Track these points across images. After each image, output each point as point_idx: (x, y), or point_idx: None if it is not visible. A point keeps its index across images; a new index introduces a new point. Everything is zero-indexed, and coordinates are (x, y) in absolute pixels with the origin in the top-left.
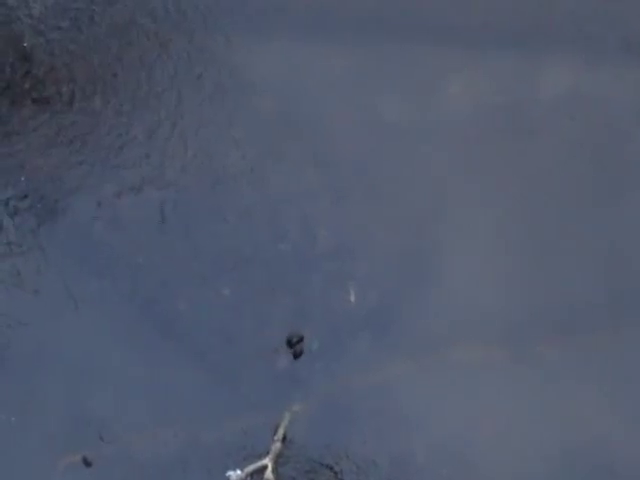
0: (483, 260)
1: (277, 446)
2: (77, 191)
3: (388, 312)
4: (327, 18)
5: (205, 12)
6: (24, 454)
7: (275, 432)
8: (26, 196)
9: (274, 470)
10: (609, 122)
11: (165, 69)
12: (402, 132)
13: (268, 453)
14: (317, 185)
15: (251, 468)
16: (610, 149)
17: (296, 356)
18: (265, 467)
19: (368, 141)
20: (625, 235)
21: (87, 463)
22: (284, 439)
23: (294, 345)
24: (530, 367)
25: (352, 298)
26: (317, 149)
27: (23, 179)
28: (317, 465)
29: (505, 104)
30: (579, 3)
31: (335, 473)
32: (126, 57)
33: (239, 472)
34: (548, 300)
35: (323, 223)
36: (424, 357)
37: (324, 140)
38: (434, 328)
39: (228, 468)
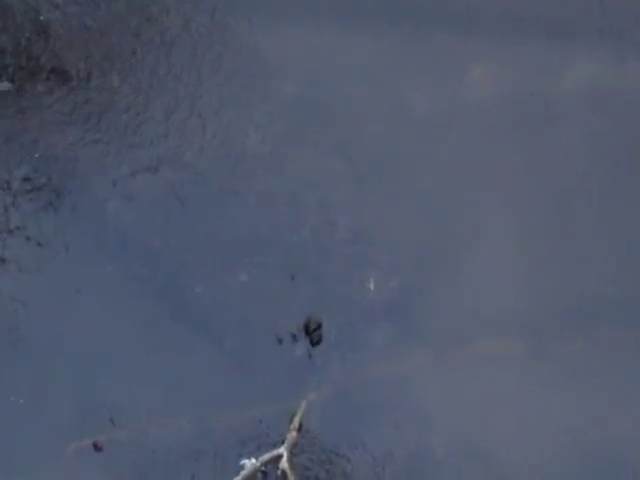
0: (503, 253)
1: (293, 435)
2: (92, 170)
3: (407, 302)
4: (350, 2)
5: None
6: (33, 437)
7: (291, 421)
8: (40, 174)
9: (289, 459)
10: (634, 115)
11: (185, 48)
12: (424, 120)
13: (283, 442)
14: (338, 171)
15: (266, 457)
16: (634, 143)
17: (314, 344)
18: (280, 456)
19: (390, 128)
20: None
21: (97, 448)
22: (300, 428)
23: (312, 332)
24: (548, 362)
25: (372, 286)
26: (338, 134)
27: (37, 156)
28: (333, 455)
29: (529, 94)
30: None
31: (351, 463)
32: (145, 34)
33: (254, 461)
34: (567, 295)
35: (343, 209)
36: (443, 349)
37: (345, 125)
38: (453, 320)
39: (242, 457)
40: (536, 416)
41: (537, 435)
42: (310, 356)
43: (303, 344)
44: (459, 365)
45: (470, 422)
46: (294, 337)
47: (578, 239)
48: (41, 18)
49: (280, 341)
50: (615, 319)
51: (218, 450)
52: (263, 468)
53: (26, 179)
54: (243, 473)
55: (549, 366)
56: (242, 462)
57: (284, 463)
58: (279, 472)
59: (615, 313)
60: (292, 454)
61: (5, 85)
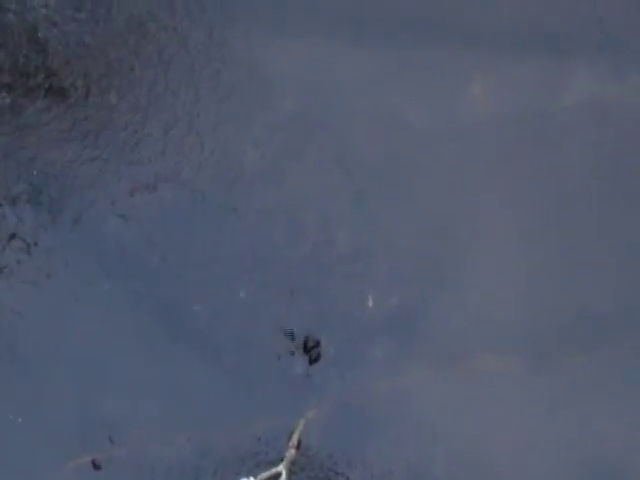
0: (503, 269)
1: (291, 453)
2: (90, 187)
3: (407, 319)
4: (350, 18)
5: (225, 7)
6: (32, 455)
7: (290, 438)
8: (38, 190)
9: (288, 477)
10: (634, 130)
11: (183, 65)
12: (424, 135)
13: (282, 460)
14: (336, 186)
15: (265, 475)
16: (635, 158)
17: (312, 361)
18: (279, 474)
19: (389, 143)
20: None
21: (96, 466)
22: (299, 446)
23: (310, 350)
24: (548, 377)
25: (370, 303)
26: (337, 150)
27: (35, 173)
28: (332, 473)
29: (529, 110)
30: (606, 11)
31: None
32: (143, 52)
33: (252, 479)
34: (567, 312)
35: (342, 225)
36: (441, 365)
37: (344, 141)
38: (452, 337)
39: (241, 474)
40: (537, 431)
41: (538, 450)
42: (309, 373)
43: (302, 361)
44: (459, 381)
45: (470, 437)
46: (293, 354)
47: (578, 256)
48: (39, 35)
49: (279, 358)
50: (615, 335)
51: (217, 468)
52: None
53: (25, 196)
54: None
55: (549, 381)
56: None
57: None
58: None
59: (615, 329)
60: (291, 472)
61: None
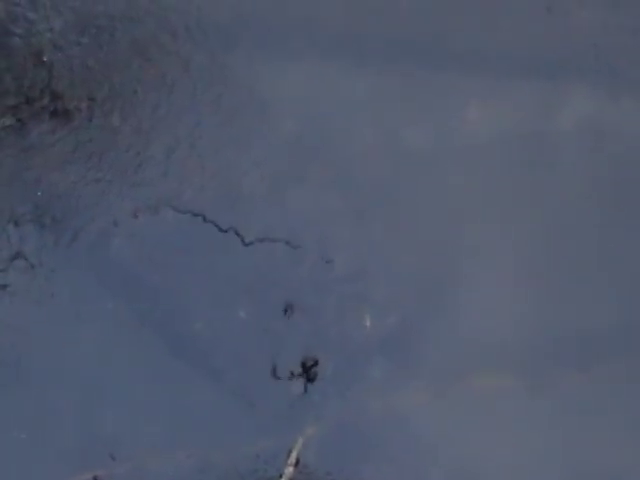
0: (500, 289)
1: (290, 471)
2: (93, 208)
3: (404, 338)
4: (350, 41)
5: (227, 31)
6: (34, 472)
7: (288, 456)
8: (42, 211)
9: None
10: (630, 155)
11: (185, 88)
12: (423, 157)
13: (281, 477)
14: (336, 208)
15: None
16: (631, 182)
17: (311, 380)
18: None
19: (388, 165)
20: None
21: None
22: (297, 464)
23: (309, 369)
24: (546, 397)
25: (368, 323)
26: (336, 172)
27: (39, 194)
28: None
29: (526, 134)
30: (602, 35)
31: None
32: (146, 75)
33: None
34: (565, 330)
35: (341, 246)
36: (440, 384)
37: (344, 163)
38: (450, 355)
39: None
40: (535, 451)
41: (536, 470)
42: (307, 392)
43: (300, 380)
44: (457, 400)
45: (469, 457)
46: (292, 373)
47: (577, 274)
48: (44, 59)
49: (278, 377)
50: (614, 353)
51: None
52: None
53: (29, 216)
54: None
55: (548, 401)
56: None
57: None
58: None
59: (612, 348)
60: None
61: (9, 120)
